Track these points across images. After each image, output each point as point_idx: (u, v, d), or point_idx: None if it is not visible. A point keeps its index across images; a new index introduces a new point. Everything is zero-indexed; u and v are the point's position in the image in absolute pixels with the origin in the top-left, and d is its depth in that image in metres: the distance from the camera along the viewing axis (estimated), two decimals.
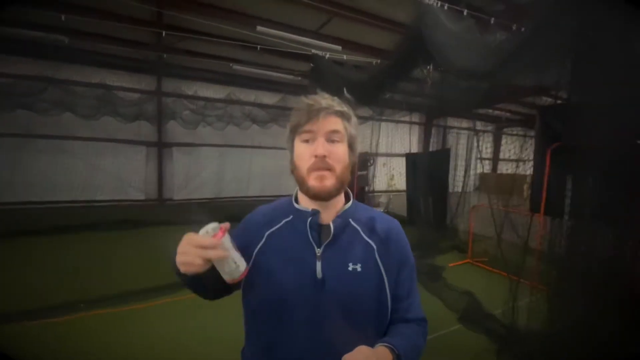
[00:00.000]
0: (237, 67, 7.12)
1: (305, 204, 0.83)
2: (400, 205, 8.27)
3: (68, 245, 5.42)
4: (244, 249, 0.77)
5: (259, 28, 5.61)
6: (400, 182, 9.28)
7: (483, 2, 4.19)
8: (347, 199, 0.88)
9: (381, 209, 8.36)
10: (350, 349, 0.68)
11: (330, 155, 0.76)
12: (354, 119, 0.83)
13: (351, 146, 0.82)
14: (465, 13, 3.54)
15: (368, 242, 0.81)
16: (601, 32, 1.87)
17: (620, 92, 2.09)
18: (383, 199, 9.19)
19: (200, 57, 6.82)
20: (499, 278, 4.13)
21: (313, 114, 0.76)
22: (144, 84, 7.37)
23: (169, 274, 0.82)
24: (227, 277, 0.71)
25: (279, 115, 8.17)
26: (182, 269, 0.68)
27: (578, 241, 2.61)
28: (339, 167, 0.78)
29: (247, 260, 0.77)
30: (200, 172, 8.38)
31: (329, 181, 0.76)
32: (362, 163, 7.82)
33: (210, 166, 8.52)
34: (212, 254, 0.66)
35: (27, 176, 6.52)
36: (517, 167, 5.23)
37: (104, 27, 5.45)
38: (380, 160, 10.00)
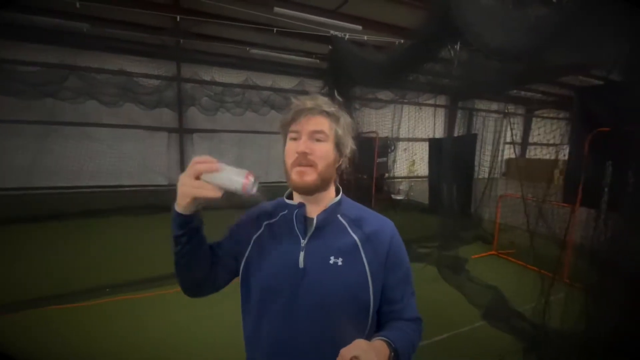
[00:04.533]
0: (254, 51, 6.98)
1: (296, 198, 0.90)
2: (422, 192, 8.04)
3: (96, 229, 5.65)
4: (245, 237, 0.88)
5: (276, 9, 5.42)
6: (422, 168, 9.00)
7: None
8: (337, 194, 0.92)
9: (401, 197, 8.16)
10: (325, 338, 0.77)
11: (313, 152, 0.81)
12: (343, 120, 0.87)
13: (338, 145, 0.86)
14: None
15: (353, 238, 0.85)
16: None
17: None
18: (404, 185, 8.96)
19: (216, 42, 6.72)
20: (527, 272, 3.92)
21: (298, 114, 0.82)
22: (163, 70, 7.40)
23: None
24: (235, 187, 0.70)
25: None
26: (180, 202, 0.71)
27: (619, 236, 2.40)
28: (320, 164, 0.82)
29: (246, 246, 0.87)
30: (220, 157, 8.34)
31: (309, 177, 0.81)
32: (382, 149, 7.59)
33: (230, 152, 8.62)
34: (202, 167, 0.70)
35: (54, 162, 6.79)
36: (550, 152, 4.88)
37: (121, 13, 5.43)
38: (401, 146, 9.70)
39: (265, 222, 0.90)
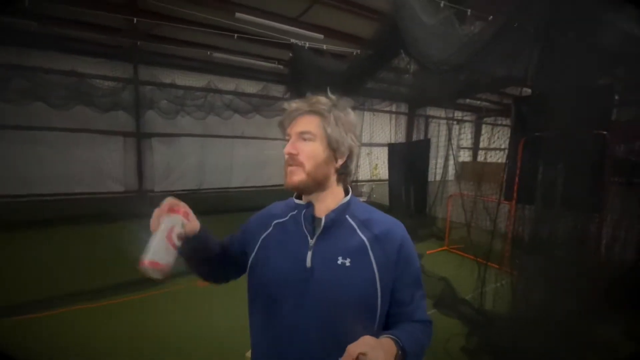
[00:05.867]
0: (217, 55, 6.94)
1: (305, 198, 0.91)
2: (383, 195, 8.39)
3: (45, 240, 5.28)
4: (253, 236, 0.91)
5: (238, 15, 5.48)
6: (384, 172, 9.39)
7: None
8: (346, 196, 0.92)
9: (363, 199, 8.46)
10: (332, 338, 0.75)
11: (300, 152, 0.83)
12: (335, 118, 0.85)
13: (330, 144, 0.85)
14: (442, 4, 3.55)
15: (362, 239, 0.84)
16: (569, 21, 1.93)
17: (584, 81, 2.17)
18: (366, 188, 9.29)
19: (177, 44, 6.61)
20: (473, 264, 4.29)
21: (286, 117, 0.87)
22: (119, 72, 7.08)
23: None
24: (142, 256, 0.71)
25: (262, 105, 8.04)
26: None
27: (542, 226, 2.74)
28: (308, 164, 0.83)
29: (254, 245, 0.89)
30: (181, 162, 8.22)
31: (297, 177, 0.83)
32: None
33: (192, 157, 8.37)
34: (151, 220, 0.75)
35: None
36: (499, 156, 5.39)
37: (73, 12, 5.19)
38: (364, 150, 10.06)
39: (274, 222, 0.91)
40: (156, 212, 0.75)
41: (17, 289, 3.49)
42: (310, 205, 0.87)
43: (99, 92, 6.57)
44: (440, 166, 7.21)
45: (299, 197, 0.92)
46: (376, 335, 0.76)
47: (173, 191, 7.90)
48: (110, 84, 6.85)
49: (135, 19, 5.17)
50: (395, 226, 0.89)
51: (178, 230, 0.71)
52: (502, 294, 2.93)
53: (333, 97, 0.88)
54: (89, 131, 7.08)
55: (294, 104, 0.86)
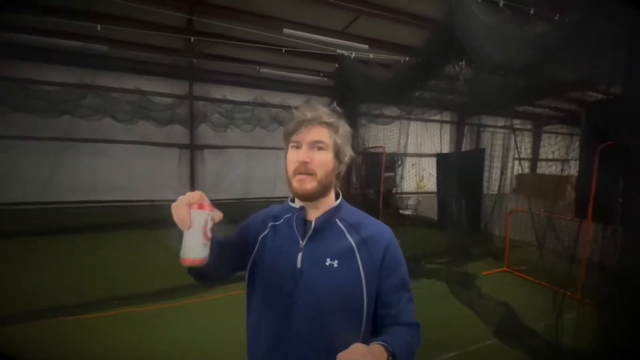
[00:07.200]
0: (264, 70, 7.19)
1: (298, 202, 0.93)
2: (430, 208, 7.97)
3: (107, 243, 5.73)
4: (253, 236, 0.93)
5: (286, 31, 5.63)
6: (431, 184, 8.96)
7: None
8: (336, 200, 0.96)
9: (409, 212, 8.10)
10: (320, 337, 0.80)
11: (312, 161, 0.85)
12: (342, 130, 0.91)
13: (337, 154, 0.89)
14: (501, 4, 3.31)
15: (349, 242, 0.88)
16: None
17: None
18: (412, 201, 8.91)
19: (228, 61, 6.97)
20: (539, 289, 3.82)
21: (299, 124, 0.86)
22: (176, 89, 7.67)
23: None
24: (181, 253, 0.73)
25: None
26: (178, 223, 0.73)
27: (632, 251, 2.34)
28: (320, 172, 0.86)
29: (253, 245, 0.92)
30: (229, 173, 8.59)
31: (309, 184, 0.85)
32: (390, 164, 7.61)
33: (239, 167, 8.74)
34: (176, 212, 0.71)
35: (69, 177, 7.01)
36: (561, 168, 4.83)
37: (138, 35, 5.70)
38: (410, 161, 9.69)
39: (270, 224, 0.95)
40: (184, 206, 0.72)
41: (77, 289, 3.78)
42: (302, 209, 0.91)
43: (158, 107, 7.15)
44: (496, 179, 6.66)
45: (293, 200, 0.95)
46: (365, 337, 0.83)
47: (221, 200, 8.25)
48: (168, 100, 7.42)
49: (192, 39, 5.52)
50: (381, 230, 0.93)
51: (210, 224, 0.74)
52: (580, 327, 2.53)
53: (338, 108, 0.91)
54: (148, 143, 7.69)
55: (309, 113, 0.86)
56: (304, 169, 0.85)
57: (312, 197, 0.88)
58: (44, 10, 4.86)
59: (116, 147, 7.45)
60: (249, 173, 8.83)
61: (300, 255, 0.86)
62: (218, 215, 0.76)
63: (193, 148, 8.20)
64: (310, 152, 0.85)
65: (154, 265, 4.56)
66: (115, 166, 7.46)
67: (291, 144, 0.88)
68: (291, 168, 0.87)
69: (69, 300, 3.40)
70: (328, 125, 0.87)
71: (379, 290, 0.87)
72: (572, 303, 2.93)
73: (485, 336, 3.03)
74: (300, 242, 0.88)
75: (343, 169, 0.93)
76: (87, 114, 6.48)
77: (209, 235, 0.74)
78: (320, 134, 0.86)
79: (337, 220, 0.91)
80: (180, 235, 0.73)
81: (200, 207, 0.73)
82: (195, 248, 0.72)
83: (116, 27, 4.71)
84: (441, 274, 4.42)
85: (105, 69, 6.45)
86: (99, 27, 4.41)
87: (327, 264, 0.85)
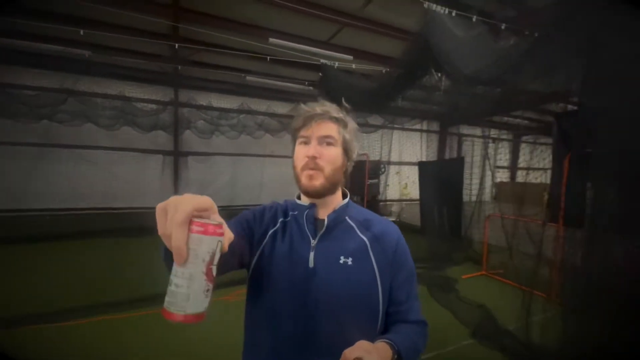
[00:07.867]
0: (250, 77, 7.26)
1: (305, 199, 0.91)
2: (413, 215, 8.12)
3: (87, 250, 5.58)
4: (262, 229, 0.88)
5: (271, 40, 5.73)
6: (414, 191, 9.14)
7: (494, 8, 4.12)
8: (344, 198, 0.95)
9: (392, 218, 8.22)
10: (335, 337, 0.75)
11: (321, 156, 0.83)
12: (350, 126, 0.90)
13: (346, 150, 0.89)
14: (474, 19, 3.49)
15: (362, 239, 0.87)
16: (612, 33, 1.80)
17: (636, 94, 1.99)
18: (395, 207, 9.05)
19: (214, 69, 7.00)
20: (516, 291, 3.96)
21: (308, 120, 0.85)
22: (160, 95, 7.62)
23: None
24: (166, 301, 0.47)
25: None
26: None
27: (595, 253, 2.48)
28: (328, 168, 0.84)
29: (262, 239, 0.86)
30: (214, 180, 8.54)
31: (318, 180, 0.84)
32: (373, 171, 7.75)
33: (224, 174, 8.68)
34: (169, 230, 0.48)
35: (47, 184, 6.82)
36: (536, 175, 5.06)
37: (122, 41, 5.68)
38: (393, 169, 9.89)
39: (281, 219, 0.91)
40: (183, 224, 0.47)
41: (64, 294, 3.68)
42: (313, 206, 0.88)
43: (141, 113, 7.08)
44: (476, 186, 6.88)
45: (299, 198, 0.93)
46: (380, 334, 0.81)
47: None
48: (152, 106, 7.37)
49: (177, 45, 5.55)
50: (391, 227, 0.93)
51: (217, 257, 0.48)
52: (550, 326, 2.64)
53: (346, 105, 0.90)
54: (132, 150, 7.58)
55: (319, 108, 0.86)
56: (313, 164, 0.83)
57: (320, 193, 0.86)
58: (25, 13, 4.80)
59: (98, 153, 7.30)
60: (234, 180, 8.79)
61: (312, 254, 0.83)
62: (228, 237, 0.53)
63: (177, 155, 8.13)
64: (320, 147, 0.84)
65: (133, 272, 4.50)
66: (97, 173, 7.29)
67: (299, 139, 0.87)
68: (300, 163, 0.86)
69: (48, 308, 3.31)
70: (337, 120, 0.87)
71: (390, 286, 0.87)
72: (544, 304, 3.06)
73: (462, 337, 3.12)
74: (312, 240, 0.85)
75: (350, 166, 0.93)
76: (67, 119, 6.35)
77: (214, 274, 0.48)
78: (329, 129, 0.86)
79: (347, 217, 0.90)
80: (168, 261, 0.48)
81: (206, 229, 0.46)
82: (192, 298, 0.46)
83: (100, 32, 4.69)
84: (422, 278, 4.51)
85: (87, 74, 6.37)
86: (82, 32, 4.39)
87: (342, 262, 0.83)
